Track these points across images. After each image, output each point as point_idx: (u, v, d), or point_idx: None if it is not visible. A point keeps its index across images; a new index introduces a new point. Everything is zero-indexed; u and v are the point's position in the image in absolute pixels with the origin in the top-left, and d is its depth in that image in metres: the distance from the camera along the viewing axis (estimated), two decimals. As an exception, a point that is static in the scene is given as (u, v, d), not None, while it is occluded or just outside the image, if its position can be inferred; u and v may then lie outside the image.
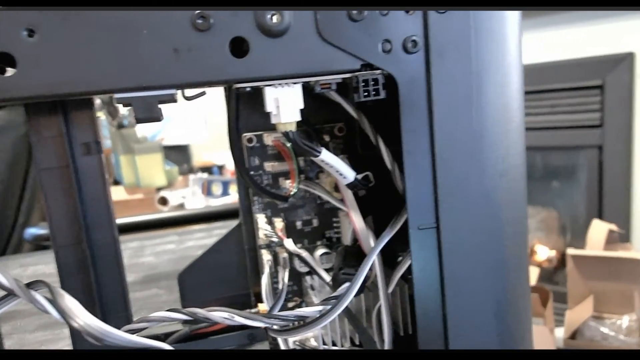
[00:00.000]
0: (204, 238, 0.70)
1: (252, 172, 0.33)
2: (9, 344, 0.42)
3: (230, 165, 1.86)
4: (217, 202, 1.37)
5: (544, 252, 1.50)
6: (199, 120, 1.75)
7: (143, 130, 1.37)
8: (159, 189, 1.35)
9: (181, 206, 1.31)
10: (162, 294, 0.50)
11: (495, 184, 0.25)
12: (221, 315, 0.22)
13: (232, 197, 1.44)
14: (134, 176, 1.32)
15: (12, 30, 0.19)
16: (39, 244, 0.96)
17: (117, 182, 1.40)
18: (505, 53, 0.24)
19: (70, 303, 0.19)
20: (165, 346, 0.20)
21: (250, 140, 0.33)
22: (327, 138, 0.34)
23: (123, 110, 1.45)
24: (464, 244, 0.25)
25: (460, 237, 0.25)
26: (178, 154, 1.63)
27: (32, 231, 0.90)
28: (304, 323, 0.26)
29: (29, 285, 0.22)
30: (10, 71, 0.20)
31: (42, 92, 0.20)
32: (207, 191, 1.39)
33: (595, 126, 1.29)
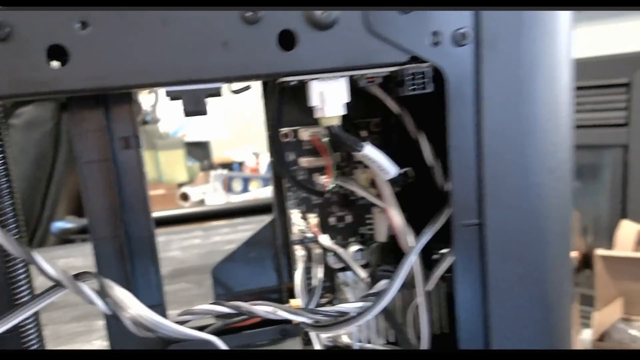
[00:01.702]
0: (229, 233, 0.70)
1: (289, 167, 0.33)
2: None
3: (249, 162, 1.87)
4: (238, 199, 1.37)
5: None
6: (219, 117, 1.76)
7: (165, 126, 1.38)
8: (180, 185, 1.36)
9: (202, 202, 1.32)
10: (191, 288, 0.51)
11: (543, 181, 0.24)
12: (264, 309, 0.22)
13: (252, 194, 1.44)
14: (156, 172, 1.34)
15: (65, 22, 0.20)
16: (64, 238, 0.98)
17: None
18: (555, 47, 0.23)
19: (122, 294, 0.19)
20: (212, 338, 0.20)
21: (286, 135, 0.33)
22: (364, 133, 0.34)
23: (146, 106, 1.46)
24: (508, 242, 0.25)
25: (505, 235, 0.25)
26: (199, 150, 1.64)
27: (59, 225, 0.92)
28: (343, 319, 0.26)
29: (77, 276, 0.22)
30: (61, 63, 0.20)
31: (92, 86, 0.20)
32: (228, 187, 1.40)
33: (621, 125, 1.26)
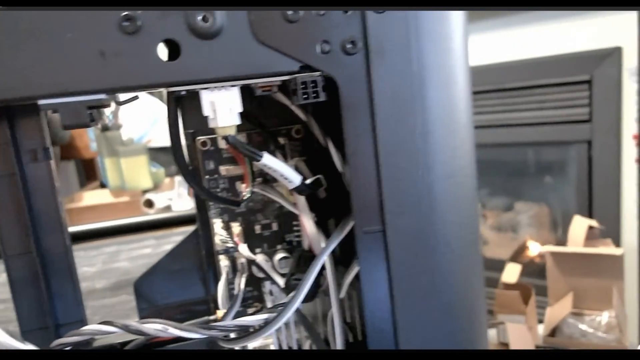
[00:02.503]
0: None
1: (207, 177, 0.33)
2: None
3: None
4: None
5: (535, 248, 1.50)
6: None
7: (129, 132, 1.36)
8: (145, 192, 1.34)
9: (168, 208, 1.30)
10: (132, 300, 0.50)
11: (442, 186, 0.24)
12: (154, 327, 0.21)
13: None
14: (120, 179, 1.31)
15: None
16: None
17: (103, 185, 1.39)
18: (448, 52, 0.23)
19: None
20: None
21: (204, 143, 0.33)
22: (284, 140, 0.33)
23: (107, 112, 1.44)
24: (411, 247, 0.25)
25: (407, 240, 0.25)
26: (165, 156, 1.62)
27: None
28: (249, 332, 0.25)
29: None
30: None
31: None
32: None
33: (584, 121, 1.29)
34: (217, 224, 0.34)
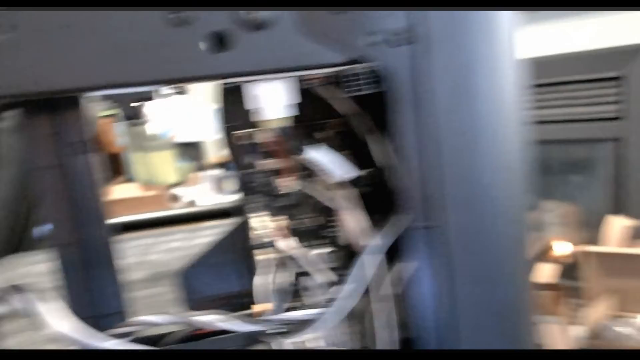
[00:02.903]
0: (212, 235, 0.69)
1: (245, 171, 0.33)
2: (20, 341, 0.42)
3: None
4: (229, 199, 1.37)
5: (562, 248, 1.47)
6: (210, 117, 1.75)
7: (155, 127, 1.38)
8: (171, 186, 1.36)
9: (192, 203, 1.32)
10: (168, 292, 0.50)
11: (492, 180, 0.24)
12: (204, 320, 0.21)
13: (244, 194, 1.43)
14: (147, 173, 1.33)
15: (-19, 28, 0.19)
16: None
17: (129, 180, 1.41)
18: (496, 44, 0.23)
19: (44, 309, 0.18)
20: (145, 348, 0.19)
21: (242, 137, 0.32)
22: (323, 134, 0.33)
23: (136, 107, 1.46)
24: (462, 243, 0.24)
25: (458, 236, 0.24)
26: (190, 151, 1.63)
27: (40, 229, 0.91)
28: (298, 327, 0.25)
29: (11, 289, 0.22)
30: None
31: (10, 92, 0.20)
32: (219, 188, 1.39)
33: (613, 118, 1.26)
34: (256, 219, 0.34)
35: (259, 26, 0.21)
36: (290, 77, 0.22)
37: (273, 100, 0.23)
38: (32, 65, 0.20)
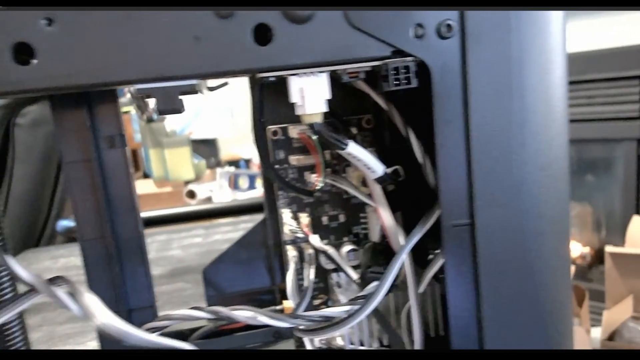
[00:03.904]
0: (230, 232, 0.70)
1: (277, 166, 0.32)
2: (37, 336, 0.42)
3: (257, 159, 1.86)
4: (244, 196, 1.37)
5: (577, 249, 1.45)
6: (226, 114, 1.75)
7: (172, 124, 1.38)
8: (187, 183, 1.36)
9: (209, 199, 1.32)
10: (189, 288, 0.50)
11: (536, 179, 0.23)
12: (245, 314, 0.21)
13: (259, 191, 1.43)
14: (163, 169, 1.33)
15: (29, 19, 0.19)
16: (70, 236, 0.98)
17: (146, 176, 1.42)
18: (547, 40, 0.22)
19: (89, 300, 0.18)
20: (187, 345, 0.19)
21: (275, 133, 0.32)
22: (354, 130, 0.33)
23: (152, 104, 1.46)
24: (501, 242, 0.24)
25: (497, 235, 0.24)
26: (206, 148, 1.64)
27: (63, 223, 0.92)
28: (331, 323, 0.25)
29: (51, 280, 0.22)
30: (29, 62, 0.20)
31: (59, 84, 0.20)
32: (234, 185, 1.39)
33: (634, 118, 1.24)
34: (286, 214, 0.33)
35: (303, 19, 0.21)
36: (334, 70, 0.22)
37: (312, 94, 0.22)
38: (78, 58, 0.20)
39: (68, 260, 0.65)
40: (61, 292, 0.21)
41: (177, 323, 0.22)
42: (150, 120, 1.32)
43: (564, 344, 0.26)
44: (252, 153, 1.80)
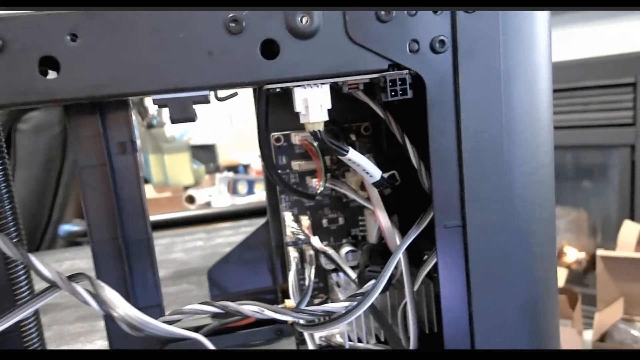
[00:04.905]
0: (231, 235, 0.71)
1: (279, 171, 0.34)
2: (47, 335, 0.43)
3: (255, 164, 1.88)
4: (243, 201, 1.38)
5: (573, 254, 1.47)
6: (225, 120, 1.77)
7: (171, 130, 1.40)
8: (186, 188, 1.38)
9: (208, 204, 1.34)
10: (193, 289, 0.52)
11: (523, 183, 0.25)
12: (251, 308, 0.23)
13: (257, 196, 1.45)
14: (163, 175, 1.35)
15: (56, 34, 0.21)
16: (72, 240, 1.00)
17: (146, 181, 1.44)
18: (534, 51, 0.24)
19: (111, 294, 0.20)
20: (200, 337, 0.21)
21: (278, 139, 0.34)
22: (353, 137, 0.35)
23: (152, 110, 1.48)
24: (491, 243, 0.26)
25: (487, 236, 0.25)
26: (205, 153, 1.66)
27: (66, 227, 0.93)
28: (330, 319, 0.27)
29: (71, 277, 0.23)
30: (53, 74, 0.21)
31: (83, 95, 0.21)
32: (233, 190, 1.41)
33: (628, 124, 1.26)
34: (287, 217, 0.35)
35: (308, 35, 0.22)
36: (335, 81, 0.24)
37: (315, 104, 0.24)
38: (100, 71, 0.21)
39: (73, 262, 0.67)
40: (81, 288, 0.22)
41: (188, 317, 0.23)
42: (150, 126, 1.34)
43: (550, 340, 0.28)
44: (250, 159, 1.82)
